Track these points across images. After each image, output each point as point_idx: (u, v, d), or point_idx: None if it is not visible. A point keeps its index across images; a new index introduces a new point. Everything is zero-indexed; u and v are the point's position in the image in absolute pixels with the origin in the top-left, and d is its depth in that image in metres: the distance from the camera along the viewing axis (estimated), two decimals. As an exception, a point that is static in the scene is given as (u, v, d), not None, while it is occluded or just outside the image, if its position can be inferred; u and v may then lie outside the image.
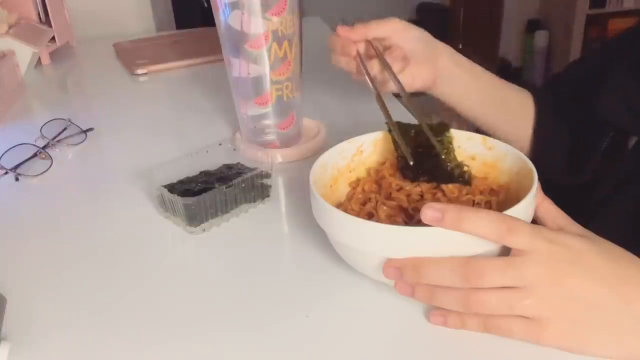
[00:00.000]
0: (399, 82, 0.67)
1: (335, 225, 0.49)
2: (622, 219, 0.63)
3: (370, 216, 0.53)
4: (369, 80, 0.67)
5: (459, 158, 0.58)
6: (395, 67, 0.68)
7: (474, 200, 0.54)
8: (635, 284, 0.44)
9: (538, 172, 0.50)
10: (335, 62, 0.73)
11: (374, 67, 0.69)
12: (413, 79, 0.71)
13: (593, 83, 0.72)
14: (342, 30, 0.69)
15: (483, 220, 0.44)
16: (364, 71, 0.68)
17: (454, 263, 0.44)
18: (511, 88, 0.77)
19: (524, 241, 0.43)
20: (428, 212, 0.44)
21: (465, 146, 0.59)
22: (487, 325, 0.45)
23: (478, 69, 0.75)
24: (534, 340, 0.44)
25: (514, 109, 0.76)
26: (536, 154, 0.76)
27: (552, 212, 0.50)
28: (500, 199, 0.54)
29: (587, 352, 0.44)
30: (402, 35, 0.70)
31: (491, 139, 0.59)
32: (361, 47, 0.70)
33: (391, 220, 0.53)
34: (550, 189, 0.54)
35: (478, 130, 0.77)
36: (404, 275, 0.46)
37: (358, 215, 0.52)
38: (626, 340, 0.43)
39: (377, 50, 0.69)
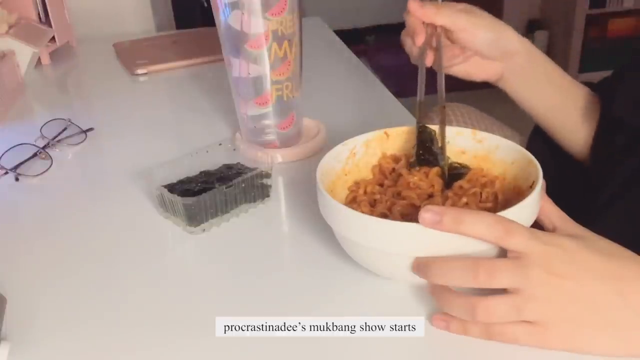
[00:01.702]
0: (442, 83, 0.63)
1: (359, 227, 0.49)
2: (628, 218, 0.63)
3: (383, 217, 0.53)
4: (419, 82, 0.63)
5: (449, 154, 0.58)
6: (445, 62, 0.66)
7: (481, 193, 0.54)
8: (631, 278, 0.44)
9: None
10: (402, 39, 0.69)
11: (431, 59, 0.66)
12: (475, 70, 0.69)
13: (614, 82, 0.71)
14: (412, 5, 0.65)
15: (481, 222, 0.44)
16: (421, 65, 0.65)
17: (464, 262, 0.44)
18: (581, 87, 0.74)
19: (521, 243, 0.44)
20: (426, 215, 0.44)
21: (455, 141, 0.59)
22: (491, 333, 0.45)
23: (552, 67, 0.73)
24: (539, 345, 0.44)
25: (581, 108, 0.73)
26: (595, 152, 0.73)
27: (549, 211, 0.51)
28: (495, 189, 0.55)
29: (593, 352, 0.44)
30: (471, 34, 0.67)
31: (481, 132, 0.59)
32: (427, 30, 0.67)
33: (406, 219, 0.53)
34: (555, 187, 0.54)
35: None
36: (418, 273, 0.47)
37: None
38: (630, 336, 0.43)
39: (437, 38, 0.66)
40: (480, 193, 0.54)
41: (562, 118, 0.74)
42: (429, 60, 0.66)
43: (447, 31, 0.67)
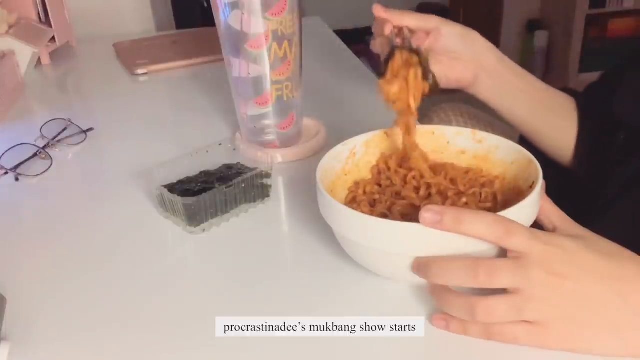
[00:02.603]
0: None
1: (358, 227, 0.49)
2: (628, 218, 0.63)
3: (383, 217, 0.53)
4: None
5: (449, 154, 0.59)
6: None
7: (480, 193, 0.54)
8: (631, 278, 0.44)
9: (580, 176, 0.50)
10: (372, 46, 0.71)
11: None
12: (448, 71, 0.70)
13: (612, 83, 0.72)
14: (377, 10, 0.67)
15: (481, 222, 0.44)
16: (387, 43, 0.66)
17: (464, 262, 0.44)
18: (555, 91, 0.75)
19: (521, 243, 0.44)
20: (427, 215, 0.44)
21: (455, 141, 0.59)
22: (490, 333, 0.45)
23: (523, 71, 0.73)
24: (539, 345, 0.44)
25: (558, 112, 0.74)
26: (580, 160, 0.74)
27: (549, 211, 0.51)
28: (494, 189, 0.55)
29: (593, 352, 0.44)
30: (440, 31, 0.68)
31: (480, 132, 0.59)
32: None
33: (406, 219, 0.53)
34: (555, 188, 0.54)
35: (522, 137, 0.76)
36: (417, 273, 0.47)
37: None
38: (629, 337, 0.44)
39: (406, 36, 0.67)
40: (480, 193, 0.54)
41: (542, 124, 0.74)
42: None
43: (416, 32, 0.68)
